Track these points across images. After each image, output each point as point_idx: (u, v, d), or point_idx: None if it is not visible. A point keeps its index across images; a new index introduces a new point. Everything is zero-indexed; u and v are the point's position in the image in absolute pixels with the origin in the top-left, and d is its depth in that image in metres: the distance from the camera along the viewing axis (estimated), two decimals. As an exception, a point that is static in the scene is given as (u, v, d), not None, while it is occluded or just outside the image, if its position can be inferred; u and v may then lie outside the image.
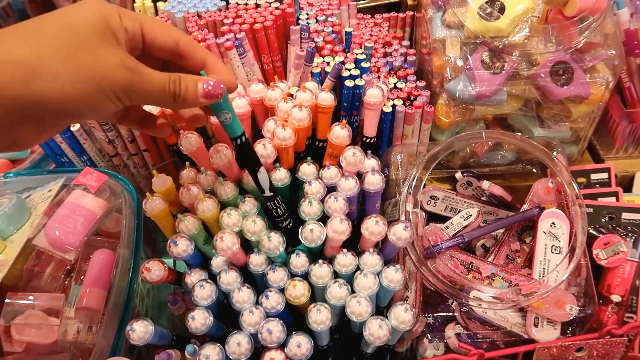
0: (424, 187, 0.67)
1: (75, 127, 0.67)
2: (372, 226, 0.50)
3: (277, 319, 0.49)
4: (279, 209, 0.52)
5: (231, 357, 0.47)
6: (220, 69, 0.42)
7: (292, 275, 0.51)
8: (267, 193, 0.50)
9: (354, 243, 0.55)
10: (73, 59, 0.32)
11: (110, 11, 0.36)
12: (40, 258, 0.59)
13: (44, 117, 0.33)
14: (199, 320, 0.49)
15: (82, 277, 0.56)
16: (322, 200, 0.52)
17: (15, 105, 0.31)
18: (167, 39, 0.40)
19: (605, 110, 0.73)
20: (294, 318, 0.55)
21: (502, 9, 0.60)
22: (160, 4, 0.84)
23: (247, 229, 0.51)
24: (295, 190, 0.57)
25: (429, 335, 0.57)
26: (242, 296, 0.49)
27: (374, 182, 0.53)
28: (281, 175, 0.53)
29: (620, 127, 0.73)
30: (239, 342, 0.47)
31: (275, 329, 0.47)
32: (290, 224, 0.55)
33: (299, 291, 0.49)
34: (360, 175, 0.54)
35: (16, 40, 0.32)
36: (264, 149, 0.52)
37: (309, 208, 0.51)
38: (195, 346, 0.48)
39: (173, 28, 0.41)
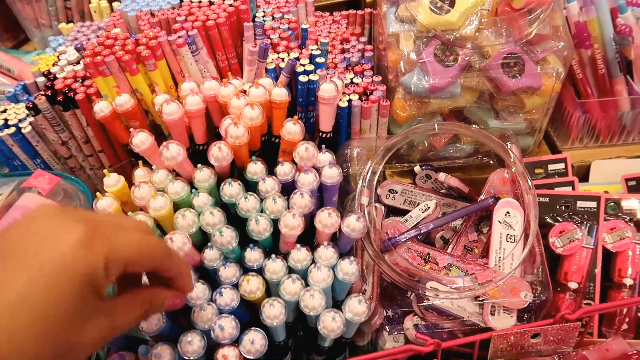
0: (384, 180, 0.67)
1: (26, 130, 0.65)
2: (325, 218, 0.50)
3: (232, 315, 0.48)
4: None
5: (184, 357, 0.47)
6: (185, 288, 0.42)
7: (247, 270, 0.51)
8: None
9: (311, 237, 0.55)
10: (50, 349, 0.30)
11: (97, 266, 0.31)
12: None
13: None
14: (152, 320, 0.48)
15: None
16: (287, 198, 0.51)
17: None
18: (147, 269, 0.37)
19: (559, 101, 0.74)
20: (252, 315, 0.55)
21: (452, 3, 0.61)
22: (115, 4, 0.83)
23: (206, 222, 0.50)
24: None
25: (387, 327, 0.57)
26: (197, 292, 0.49)
27: (331, 175, 0.53)
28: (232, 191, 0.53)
29: (574, 117, 0.75)
30: (190, 340, 0.46)
31: (227, 326, 0.47)
32: None
33: (253, 286, 0.49)
34: (317, 170, 0.54)
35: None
36: (219, 152, 0.51)
37: (273, 205, 0.50)
38: (147, 346, 0.47)
39: (157, 255, 0.37)
